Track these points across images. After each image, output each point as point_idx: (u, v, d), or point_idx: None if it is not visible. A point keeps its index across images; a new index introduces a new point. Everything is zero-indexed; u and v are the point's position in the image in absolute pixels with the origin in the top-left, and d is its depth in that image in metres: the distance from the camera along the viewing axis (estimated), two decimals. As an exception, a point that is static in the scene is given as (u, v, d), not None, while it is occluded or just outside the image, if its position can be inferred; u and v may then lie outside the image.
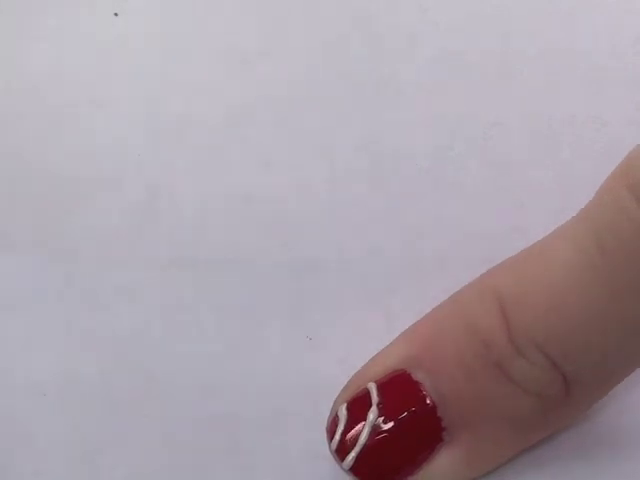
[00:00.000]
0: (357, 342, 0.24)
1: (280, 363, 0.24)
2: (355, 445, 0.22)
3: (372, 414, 0.22)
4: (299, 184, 0.26)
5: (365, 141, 0.27)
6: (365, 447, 0.22)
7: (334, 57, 0.28)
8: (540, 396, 0.21)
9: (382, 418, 0.22)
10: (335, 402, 0.23)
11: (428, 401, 0.22)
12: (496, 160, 0.26)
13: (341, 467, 0.22)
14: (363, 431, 0.22)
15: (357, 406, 0.22)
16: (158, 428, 0.24)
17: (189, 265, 0.25)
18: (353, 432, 0.22)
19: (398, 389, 0.22)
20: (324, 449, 0.23)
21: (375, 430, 0.22)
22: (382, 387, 0.22)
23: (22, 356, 0.24)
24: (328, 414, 0.23)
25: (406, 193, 0.26)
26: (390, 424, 0.22)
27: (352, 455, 0.22)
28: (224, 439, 0.23)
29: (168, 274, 0.25)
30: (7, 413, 0.24)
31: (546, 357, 0.21)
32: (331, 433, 0.23)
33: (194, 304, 0.25)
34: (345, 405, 0.23)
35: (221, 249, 0.26)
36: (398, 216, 0.26)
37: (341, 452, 0.22)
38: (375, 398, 0.22)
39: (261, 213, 0.26)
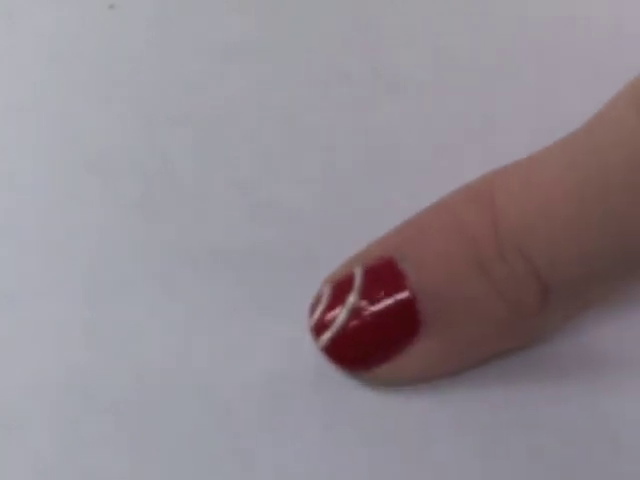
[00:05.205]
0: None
1: (280, 362, 0.24)
2: (331, 326, 0.22)
3: (352, 297, 0.22)
4: (297, 179, 0.26)
5: (364, 138, 0.27)
6: (341, 329, 0.22)
7: (333, 53, 0.28)
8: (516, 302, 0.22)
9: (362, 303, 0.22)
10: (323, 282, 0.23)
11: (408, 292, 0.22)
12: (496, 159, 0.26)
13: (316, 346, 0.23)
14: (341, 313, 0.22)
15: (340, 288, 0.23)
16: (157, 427, 0.23)
17: (187, 260, 0.25)
18: (332, 313, 0.23)
19: (382, 276, 0.22)
20: (324, 449, 0.23)
21: (353, 314, 0.22)
22: (367, 273, 0.23)
23: (21, 352, 0.24)
24: (327, 413, 0.23)
25: (405, 189, 0.26)
26: (369, 310, 0.22)
27: (327, 335, 0.23)
28: (223, 437, 0.23)
29: (166, 268, 0.25)
30: (5, 409, 0.23)
31: (529, 265, 0.21)
32: (312, 311, 0.23)
33: (193, 300, 0.25)
34: (330, 285, 0.23)
35: (219, 243, 0.26)
36: (397, 213, 0.26)
37: (318, 331, 0.23)
38: (358, 282, 0.22)
39: (260, 208, 0.26)
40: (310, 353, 0.24)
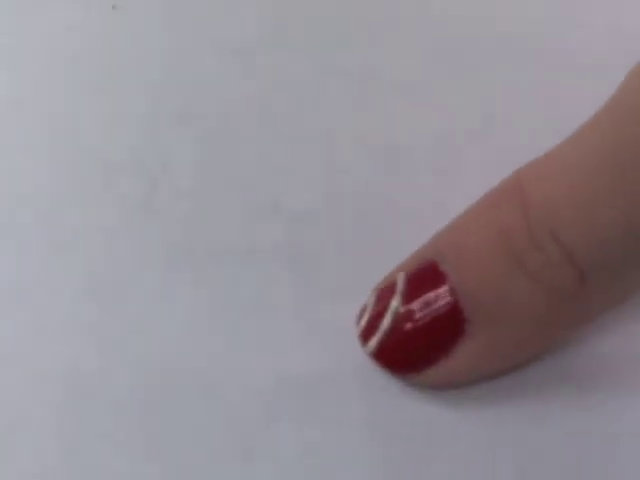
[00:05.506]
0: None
1: (280, 362, 0.24)
2: (377, 332, 0.23)
3: (395, 301, 0.23)
4: (298, 179, 0.26)
5: (364, 135, 0.27)
6: (387, 334, 0.23)
7: (333, 53, 0.28)
8: (554, 289, 0.21)
9: (406, 306, 0.23)
10: (370, 293, 0.24)
11: (450, 293, 0.22)
12: (496, 159, 0.26)
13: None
14: (385, 318, 0.23)
15: (384, 294, 0.23)
16: (158, 426, 0.23)
17: (189, 258, 0.25)
18: (377, 319, 0.23)
19: (424, 279, 0.23)
20: (324, 448, 0.23)
21: (398, 317, 0.23)
22: (409, 277, 0.23)
23: (21, 352, 0.24)
24: (329, 412, 0.23)
25: (405, 189, 0.26)
26: (413, 312, 0.22)
27: (374, 340, 0.23)
28: (223, 437, 0.23)
29: (168, 268, 0.25)
30: (6, 409, 0.23)
31: (563, 249, 0.21)
32: (358, 320, 0.23)
33: (194, 298, 0.25)
34: (374, 293, 0.23)
35: (219, 243, 0.26)
36: (397, 213, 0.26)
37: (364, 338, 0.23)
38: (400, 286, 0.23)
39: (260, 208, 0.26)
40: (311, 353, 0.24)
